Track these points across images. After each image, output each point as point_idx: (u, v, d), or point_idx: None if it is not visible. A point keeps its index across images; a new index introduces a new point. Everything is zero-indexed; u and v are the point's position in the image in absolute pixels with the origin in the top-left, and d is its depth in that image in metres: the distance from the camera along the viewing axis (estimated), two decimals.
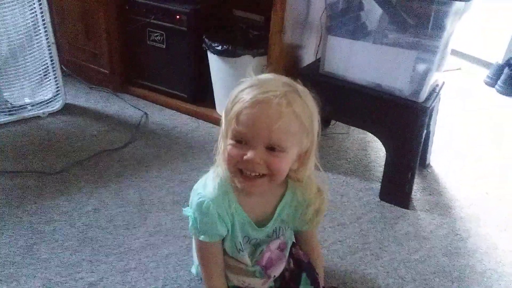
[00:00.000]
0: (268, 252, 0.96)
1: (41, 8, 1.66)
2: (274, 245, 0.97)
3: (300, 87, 0.81)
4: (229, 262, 0.97)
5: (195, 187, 0.92)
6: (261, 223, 0.92)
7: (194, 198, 0.89)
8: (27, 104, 1.79)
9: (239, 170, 0.80)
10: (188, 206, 0.93)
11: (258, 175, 0.80)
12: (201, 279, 1.06)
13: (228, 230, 0.90)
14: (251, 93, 0.76)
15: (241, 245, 0.93)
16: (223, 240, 0.93)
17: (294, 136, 0.79)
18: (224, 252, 0.95)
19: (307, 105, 0.80)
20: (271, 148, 0.77)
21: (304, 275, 0.99)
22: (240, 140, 0.78)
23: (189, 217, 0.91)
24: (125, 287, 1.10)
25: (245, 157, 0.77)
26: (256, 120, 0.76)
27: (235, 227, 0.90)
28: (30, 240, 1.21)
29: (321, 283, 1.02)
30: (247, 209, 0.89)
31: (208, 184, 0.88)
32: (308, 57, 1.79)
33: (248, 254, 0.95)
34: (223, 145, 0.82)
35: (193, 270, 1.10)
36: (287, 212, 0.93)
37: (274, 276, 0.98)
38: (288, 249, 1.01)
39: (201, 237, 0.89)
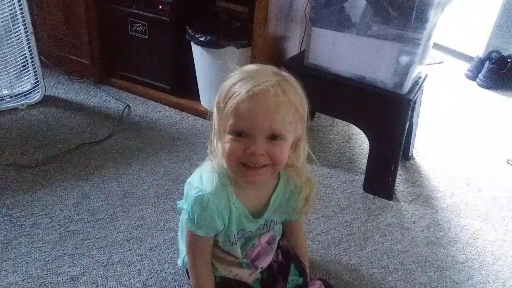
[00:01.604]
0: (258, 247, 0.97)
1: None
2: (264, 239, 0.99)
3: (286, 74, 0.82)
4: (217, 254, 0.97)
5: (189, 180, 0.91)
6: (256, 215, 0.92)
7: (191, 192, 0.87)
8: (5, 96, 1.75)
9: (241, 163, 0.80)
10: (182, 200, 0.93)
11: (262, 165, 0.80)
12: (186, 271, 1.06)
13: (224, 225, 0.89)
14: (245, 86, 0.76)
15: (234, 238, 0.93)
16: (216, 235, 0.92)
17: (291, 124, 0.80)
18: (214, 244, 0.95)
19: (298, 92, 0.81)
20: (272, 138, 0.78)
21: (292, 266, 1.00)
22: (240, 134, 0.78)
23: (184, 211, 0.90)
24: (108, 281, 1.08)
25: (248, 151, 0.77)
26: (256, 113, 0.76)
27: (232, 221, 0.89)
28: (10, 235, 1.19)
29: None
30: (243, 201, 0.89)
31: (204, 178, 0.87)
32: (292, 49, 1.79)
33: (239, 247, 0.95)
34: (218, 141, 0.81)
35: (179, 262, 1.09)
36: (280, 201, 0.94)
37: (262, 267, 0.99)
38: (276, 243, 1.02)
39: (198, 232, 0.88)
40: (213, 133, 0.83)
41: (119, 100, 1.90)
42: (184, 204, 0.90)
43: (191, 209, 0.87)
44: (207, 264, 0.96)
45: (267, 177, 0.84)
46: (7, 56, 1.68)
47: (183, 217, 0.92)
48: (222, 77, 0.83)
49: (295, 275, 1.00)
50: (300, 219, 1.06)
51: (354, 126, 1.74)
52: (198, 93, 1.87)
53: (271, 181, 0.92)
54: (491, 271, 1.25)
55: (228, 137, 0.79)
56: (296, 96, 0.80)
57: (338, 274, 1.18)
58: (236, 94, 0.76)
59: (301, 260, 1.04)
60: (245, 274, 0.98)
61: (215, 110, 0.81)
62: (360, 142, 1.81)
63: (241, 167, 0.80)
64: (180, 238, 1.09)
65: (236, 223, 0.90)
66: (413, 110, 1.54)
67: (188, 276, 1.07)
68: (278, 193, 0.92)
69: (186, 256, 1.00)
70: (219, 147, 0.82)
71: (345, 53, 1.45)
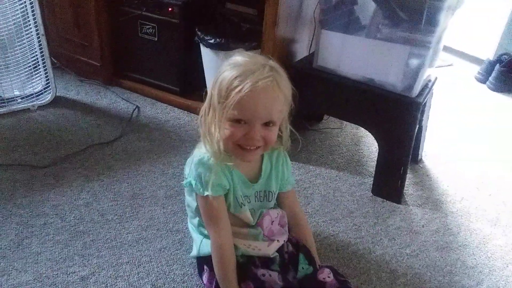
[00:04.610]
0: (267, 216, 1.05)
1: None
2: (274, 213, 1.07)
3: (277, 66, 0.93)
4: (234, 230, 1.02)
5: (188, 160, 1.03)
6: (253, 180, 1.04)
7: (194, 160, 0.98)
8: (16, 97, 1.77)
9: (238, 145, 0.93)
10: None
11: (256, 147, 0.93)
12: (198, 264, 1.10)
13: (230, 185, 0.99)
14: (247, 81, 0.86)
15: (242, 199, 1.02)
16: (225, 199, 1.00)
17: (281, 112, 0.94)
18: (230, 221, 1.01)
19: (288, 82, 0.93)
20: (266, 124, 0.91)
21: (301, 255, 1.04)
22: (239, 121, 0.90)
23: (191, 182, 0.98)
24: (117, 281, 1.09)
25: (247, 136, 0.90)
26: (257, 106, 0.88)
27: (235, 182, 1.00)
28: (21, 234, 1.20)
29: (317, 260, 1.08)
30: (239, 168, 1.00)
31: (202, 151, 0.98)
32: (301, 51, 1.79)
33: (248, 209, 1.03)
34: (216, 126, 0.91)
35: (194, 252, 1.11)
36: (270, 169, 1.06)
37: (278, 240, 1.04)
38: (287, 227, 1.10)
39: (206, 193, 0.96)
40: (209, 118, 0.93)
41: (128, 101, 1.92)
42: (188, 177, 1.00)
43: (197, 172, 0.97)
44: (228, 235, 1.00)
45: (258, 156, 1.01)
46: (18, 57, 1.70)
47: (192, 186, 0.98)
48: None
49: (305, 263, 1.04)
50: (294, 196, 1.16)
51: (362, 128, 1.74)
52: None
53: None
54: (501, 277, 1.24)
55: (228, 123, 0.90)
56: (287, 88, 0.92)
57: (347, 277, 1.17)
58: (239, 88, 0.86)
59: (309, 250, 1.08)
60: (263, 246, 1.03)
61: (216, 98, 0.90)
62: (369, 144, 1.80)
63: (237, 149, 0.93)
64: (192, 229, 1.14)
65: (239, 185, 1.01)
66: (422, 113, 1.53)
67: (199, 271, 1.10)
68: (266, 162, 1.05)
69: (201, 245, 1.06)
70: (217, 131, 0.92)
71: (354, 55, 1.45)
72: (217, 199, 0.97)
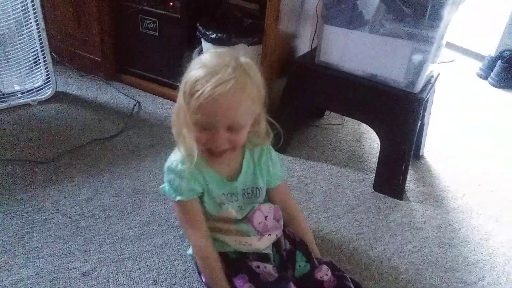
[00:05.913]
0: (258, 211, 1.02)
1: None
2: (265, 207, 1.04)
3: (245, 63, 0.88)
4: (223, 227, 1.01)
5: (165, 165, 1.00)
6: (231, 178, 1.01)
7: (165, 168, 0.98)
8: (16, 92, 1.76)
9: (206, 148, 0.92)
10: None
11: (223, 150, 0.91)
12: (197, 267, 1.08)
13: (203, 189, 0.97)
14: (207, 84, 0.82)
15: (221, 198, 0.99)
16: (202, 202, 0.99)
17: (249, 113, 0.90)
18: (217, 219, 1.00)
19: (255, 80, 0.88)
20: (231, 127, 0.88)
21: (299, 253, 1.03)
22: (204, 127, 0.87)
23: (165, 187, 0.98)
24: (119, 277, 1.09)
25: (211, 141, 0.88)
26: (218, 111, 0.85)
27: (209, 184, 0.98)
28: (22, 230, 1.20)
29: (316, 253, 1.07)
30: (216, 167, 0.98)
31: (173, 155, 0.99)
32: (303, 47, 1.78)
33: (231, 207, 1.00)
34: (186, 128, 0.90)
35: (190, 251, 1.11)
36: (253, 165, 1.03)
37: (269, 235, 1.02)
38: (282, 221, 1.07)
39: (178, 198, 0.95)
40: (180, 118, 0.90)
41: (129, 96, 1.91)
42: (164, 184, 1.00)
43: (168, 178, 0.97)
44: (206, 236, 0.99)
45: (230, 156, 0.95)
46: (18, 52, 1.69)
47: (166, 191, 0.98)
48: None
49: (303, 260, 1.02)
50: (286, 190, 1.14)
51: (364, 124, 1.73)
52: None
53: (238, 151, 1.00)
54: (502, 273, 1.24)
55: (194, 128, 0.88)
56: (253, 87, 0.87)
57: (348, 274, 1.17)
58: (199, 93, 0.83)
59: (307, 246, 1.06)
60: (253, 240, 1.01)
61: (181, 99, 0.89)
62: (370, 141, 1.80)
63: (206, 151, 0.93)
64: None
65: (215, 186, 0.98)
66: (425, 109, 1.53)
67: (198, 269, 1.08)
68: (248, 159, 1.02)
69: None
70: (186, 134, 0.90)
71: (357, 51, 1.44)
72: (190, 203, 0.97)
